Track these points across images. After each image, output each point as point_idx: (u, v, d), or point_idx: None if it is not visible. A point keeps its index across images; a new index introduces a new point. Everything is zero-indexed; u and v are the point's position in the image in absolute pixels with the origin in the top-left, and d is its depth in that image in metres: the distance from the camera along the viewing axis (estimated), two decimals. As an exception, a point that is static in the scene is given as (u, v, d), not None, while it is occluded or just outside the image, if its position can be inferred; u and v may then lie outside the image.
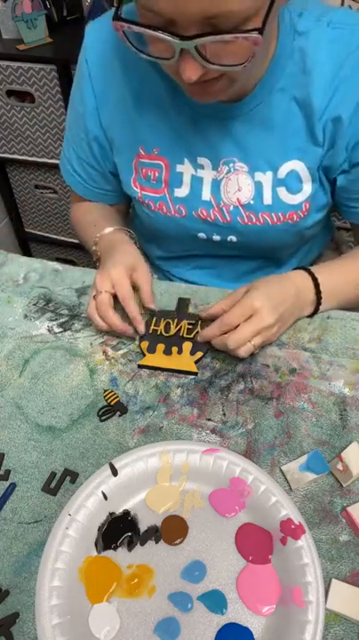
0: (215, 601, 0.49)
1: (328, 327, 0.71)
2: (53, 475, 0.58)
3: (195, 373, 0.66)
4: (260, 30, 0.47)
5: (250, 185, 0.71)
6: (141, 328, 0.69)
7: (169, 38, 0.48)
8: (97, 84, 0.72)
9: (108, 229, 0.79)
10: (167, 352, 0.68)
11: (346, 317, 0.72)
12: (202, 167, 0.72)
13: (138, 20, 0.51)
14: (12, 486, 0.57)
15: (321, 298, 0.69)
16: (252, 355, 0.68)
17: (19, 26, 1.36)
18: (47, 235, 1.92)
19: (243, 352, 0.62)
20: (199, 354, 0.67)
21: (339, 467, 0.56)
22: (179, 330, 0.70)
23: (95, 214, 0.86)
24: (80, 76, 0.73)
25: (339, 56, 0.62)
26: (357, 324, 0.71)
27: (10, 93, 1.48)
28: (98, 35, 0.71)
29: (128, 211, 0.95)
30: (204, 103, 0.60)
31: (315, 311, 0.70)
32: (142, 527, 0.53)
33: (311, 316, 0.71)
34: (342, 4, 1.25)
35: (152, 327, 0.70)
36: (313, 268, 0.70)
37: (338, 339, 0.69)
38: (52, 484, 0.57)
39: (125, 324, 0.68)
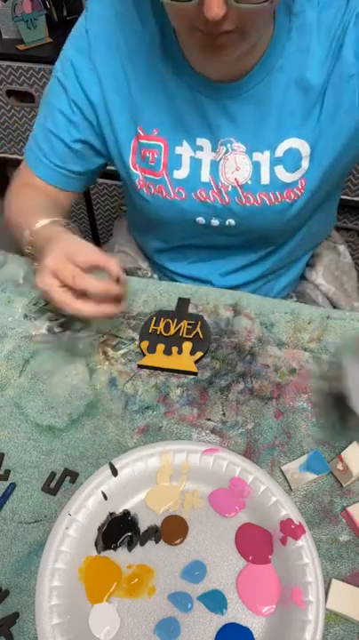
0: (215, 601, 0.49)
1: (328, 327, 0.71)
2: (53, 474, 0.58)
3: (195, 373, 0.66)
4: None
5: (248, 165, 0.71)
6: (114, 269, 0.59)
7: None
8: (97, 57, 0.70)
9: (42, 222, 0.68)
10: (167, 352, 0.68)
11: (346, 317, 0.72)
12: (201, 148, 0.72)
13: None
14: (12, 486, 0.57)
15: None
16: (253, 354, 0.68)
17: (20, 26, 1.36)
18: (47, 235, 1.91)
19: None
20: (199, 354, 0.67)
21: (339, 467, 0.56)
22: (179, 330, 0.70)
23: (24, 206, 0.76)
24: (75, 46, 0.72)
25: (329, 33, 0.64)
26: (357, 324, 0.71)
27: (10, 93, 1.48)
28: (100, 9, 0.70)
29: (72, 203, 0.87)
30: (212, 63, 0.60)
31: None
32: (142, 527, 0.53)
33: None
34: None
35: (152, 327, 0.70)
36: None
37: (338, 339, 0.70)
38: (52, 484, 0.57)
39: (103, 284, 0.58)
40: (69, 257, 0.59)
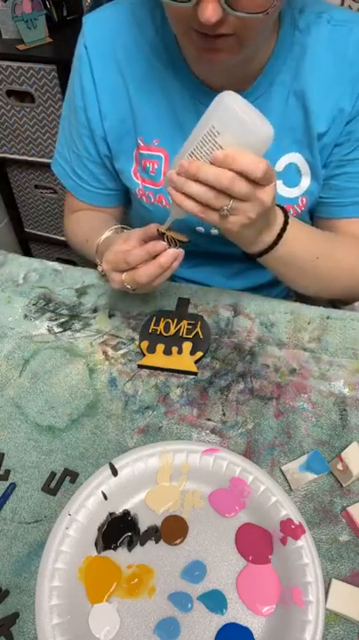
0: (215, 601, 0.49)
1: (328, 327, 0.71)
2: (53, 475, 0.58)
3: (195, 373, 0.66)
4: None
5: None
6: (150, 229, 0.60)
7: None
8: (96, 70, 0.71)
9: (102, 237, 0.73)
10: (167, 352, 0.68)
11: (346, 317, 0.72)
12: None
13: None
14: (12, 486, 0.57)
15: (288, 217, 0.64)
16: (253, 354, 0.68)
17: (20, 26, 1.36)
18: (47, 235, 1.91)
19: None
20: (199, 354, 0.67)
21: (339, 467, 0.56)
22: (179, 330, 0.70)
23: (85, 228, 0.83)
24: (79, 66, 0.72)
25: (337, 53, 0.64)
26: (357, 324, 0.71)
27: (10, 93, 1.48)
28: (97, 24, 0.71)
29: (124, 215, 0.93)
30: (210, 69, 0.60)
31: (278, 238, 0.64)
32: (142, 527, 0.53)
33: (276, 242, 0.64)
34: (342, 4, 1.25)
35: (152, 327, 0.70)
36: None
37: (338, 339, 0.70)
38: (52, 484, 0.57)
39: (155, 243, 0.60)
40: (119, 250, 0.62)
